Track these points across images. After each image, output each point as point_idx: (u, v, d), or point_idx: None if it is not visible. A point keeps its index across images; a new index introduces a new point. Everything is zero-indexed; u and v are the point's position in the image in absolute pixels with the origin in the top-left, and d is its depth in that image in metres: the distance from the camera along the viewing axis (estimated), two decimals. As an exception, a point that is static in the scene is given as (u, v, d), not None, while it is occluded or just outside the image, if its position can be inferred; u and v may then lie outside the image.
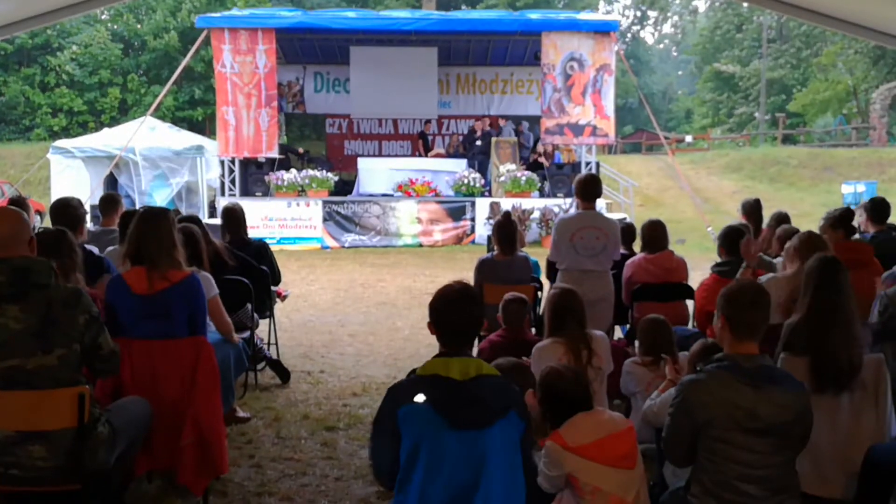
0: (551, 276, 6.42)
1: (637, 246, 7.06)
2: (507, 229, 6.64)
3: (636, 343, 6.38)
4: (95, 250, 5.81)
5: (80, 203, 5.58)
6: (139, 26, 37.13)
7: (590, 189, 6.03)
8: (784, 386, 3.05)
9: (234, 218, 6.89)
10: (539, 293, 6.60)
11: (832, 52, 41.09)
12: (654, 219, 6.51)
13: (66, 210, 5.29)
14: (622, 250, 6.44)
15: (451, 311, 3.00)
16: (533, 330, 5.91)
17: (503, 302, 5.16)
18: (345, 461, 4.96)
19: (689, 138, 41.87)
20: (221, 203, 17.19)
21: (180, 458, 4.01)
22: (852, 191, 23.95)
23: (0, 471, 3.31)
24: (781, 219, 6.69)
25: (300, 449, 5.17)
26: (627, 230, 6.88)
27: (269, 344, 7.12)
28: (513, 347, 4.67)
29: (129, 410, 3.70)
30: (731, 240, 5.60)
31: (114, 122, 32.15)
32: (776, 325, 4.07)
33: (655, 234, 6.24)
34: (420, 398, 2.87)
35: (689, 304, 6.34)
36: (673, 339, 4.73)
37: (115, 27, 38.12)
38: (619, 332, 7.08)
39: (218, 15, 20.42)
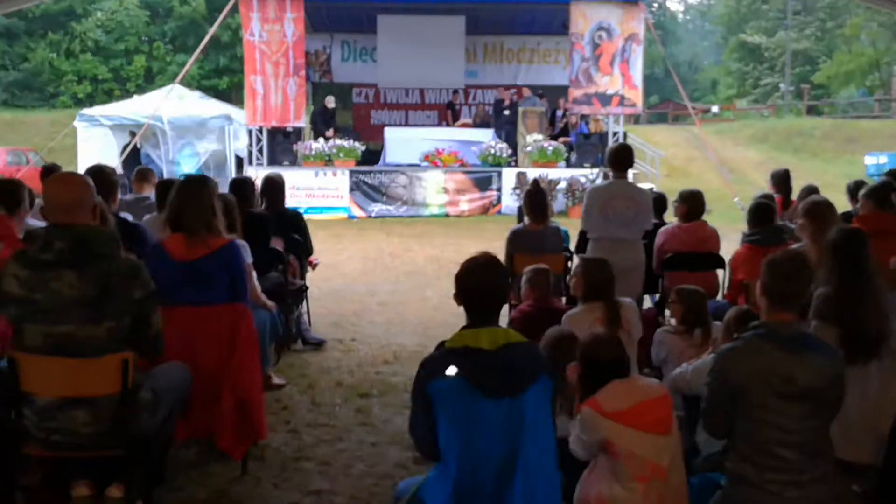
0: (581, 245, 6.44)
1: (668, 216, 7.06)
2: (537, 198, 6.66)
3: (666, 312, 6.44)
4: (130, 218, 5.91)
5: (113, 171, 5.64)
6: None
7: (622, 158, 6.04)
8: (819, 352, 3.08)
9: (273, 187, 6.97)
10: (569, 263, 6.62)
11: (856, 24, 40.49)
12: (693, 188, 6.52)
13: (100, 177, 5.34)
14: (653, 220, 6.44)
15: (478, 283, 3.01)
16: (563, 299, 5.94)
17: (528, 273, 5.18)
18: (380, 427, 5.05)
19: (714, 109, 41.47)
20: (249, 172, 17.27)
21: (219, 423, 4.09)
22: (875, 162, 23.74)
23: (42, 436, 3.36)
24: (812, 191, 6.66)
25: (335, 415, 5.26)
26: (658, 200, 6.87)
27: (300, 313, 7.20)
28: (543, 316, 4.70)
29: (171, 376, 3.76)
30: (759, 214, 5.62)
31: (139, 90, 32.28)
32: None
33: (691, 202, 6.23)
34: (452, 371, 2.89)
35: (720, 274, 6.36)
36: (707, 309, 4.74)
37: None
38: (647, 302, 7.10)
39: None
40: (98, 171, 5.51)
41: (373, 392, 5.73)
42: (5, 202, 5.13)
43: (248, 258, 5.02)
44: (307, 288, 7.03)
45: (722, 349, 3.16)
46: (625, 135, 19.02)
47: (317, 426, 5.06)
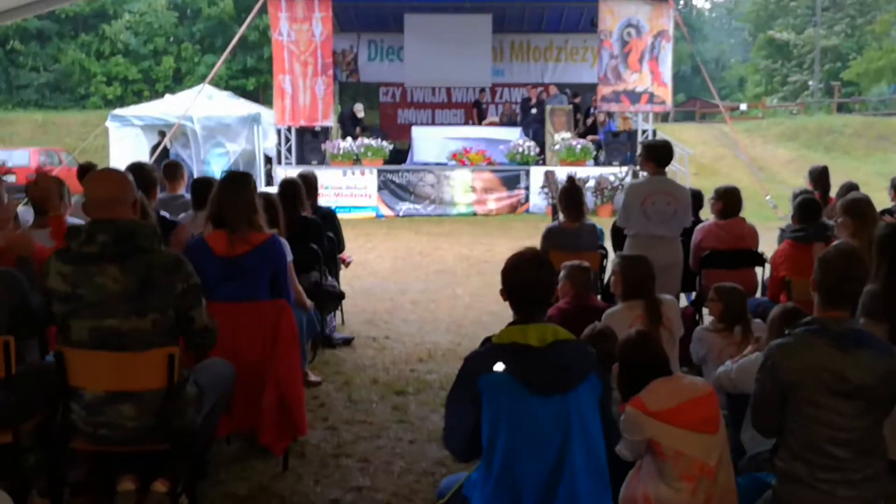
0: (617, 242, 6.40)
1: (704, 213, 7.00)
2: (573, 195, 6.62)
3: (704, 310, 6.38)
4: (168, 216, 5.94)
5: (154, 167, 5.68)
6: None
7: (661, 154, 5.99)
8: (873, 349, 3.03)
9: (307, 186, 6.98)
10: (605, 260, 6.58)
11: (886, 21, 40.02)
12: (729, 185, 6.45)
13: (141, 173, 5.37)
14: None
15: (525, 278, 2.99)
16: (599, 297, 5.91)
17: (566, 270, 5.14)
18: (417, 425, 5.04)
19: (743, 106, 41.15)
20: (278, 172, 17.36)
21: (261, 419, 4.11)
22: (907, 159, 23.45)
23: (89, 430, 3.38)
24: (851, 189, 6.58)
25: (372, 412, 5.26)
26: (695, 197, 6.80)
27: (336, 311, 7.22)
28: (581, 314, 4.67)
29: (215, 371, 3.77)
30: (805, 210, 5.56)
31: (168, 90, 32.50)
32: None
33: (729, 199, 6.17)
34: (500, 367, 2.87)
35: (758, 272, 6.31)
36: (747, 307, 4.70)
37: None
38: (683, 300, 7.05)
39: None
40: (139, 168, 5.56)
41: (408, 389, 5.73)
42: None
43: (289, 256, 5.04)
44: (344, 296, 7.03)
45: (772, 345, 3.12)
46: (654, 132, 18.92)
47: (355, 423, 5.06)
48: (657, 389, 3.32)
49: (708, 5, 68.53)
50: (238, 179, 4.42)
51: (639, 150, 17.98)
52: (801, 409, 3.03)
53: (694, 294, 6.51)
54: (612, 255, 6.85)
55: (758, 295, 6.11)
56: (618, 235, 6.34)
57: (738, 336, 4.58)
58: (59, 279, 3.36)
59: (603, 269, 6.46)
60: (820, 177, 7.01)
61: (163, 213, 5.65)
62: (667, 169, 6.20)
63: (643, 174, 6.47)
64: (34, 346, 3.86)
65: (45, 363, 3.68)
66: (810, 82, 43.53)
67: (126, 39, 36.81)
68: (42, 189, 4.86)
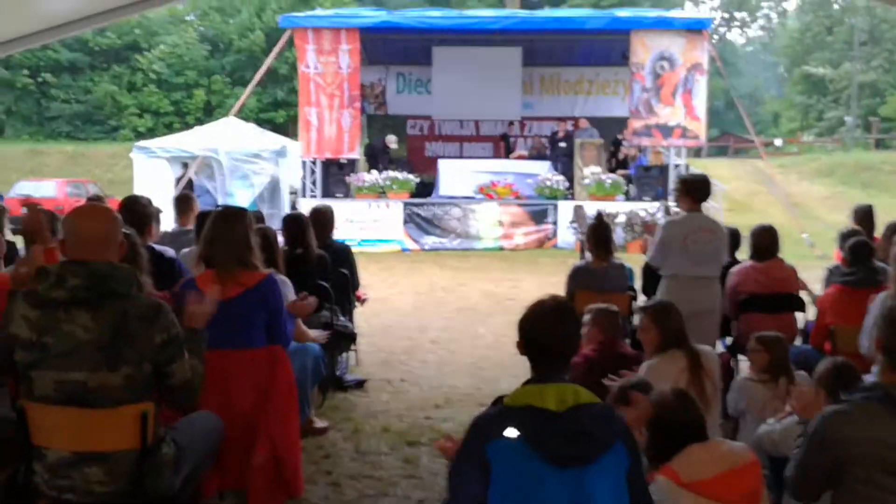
0: (649, 283, 5.98)
1: (741, 254, 6.59)
2: (601, 233, 6.26)
3: (737, 357, 5.94)
4: (170, 251, 5.62)
5: (149, 202, 5.36)
6: (226, 26, 37.53)
7: (700, 189, 5.59)
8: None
9: (320, 220, 6.68)
10: (633, 303, 6.18)
11: (926, 56, 39.44)
12: (765, 224, 6.03)
13: (134, 208, 5.07)
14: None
15: (545, 331, 2.64)
16: (626, 341, 5.50)
17: (593, 313, 4.75)
18: (428, 481, 4.64)
19: (778, 142, 40.58)
20: (302, 204, 17.13)
21: (252, 478, 3.75)
22: (953, 198, 22.77)
23: (54, 495, 3.02)
24: (896, 229, 6.13)
25: (381, 466, 4.87)
26: (732, 236, 6.39)
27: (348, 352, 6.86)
28: (610, 363, 4.28)
29: (198, 427, 3.41)
30: (858, 252, 5.12)
31: (198, 123, 32.64)
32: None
33: (766, 240, 5.75)
34: (512, 433, 2.50)
35: (799, 316, 5.87)
36: (789, 358, 4.28)
37: (202, 27, 38.67)
38: (718, 346, 6.61)
39: (301, 14, 20.41)
40: (132, 202, 5.26)
41: (422, 440, 5.32)
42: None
43: (291, 295, 4.69)
44: (355, 337, 6.68)
45: (826, 412, 2.70)
46: (687, 167, 18.48)
47: (360, 478, 4.67)
48: (693, 457, 2.92)
49: (742, 40, 68.10)
50: (231, 215, 4.08)
51: (673, 184, 17.65)
52: (852, 485, 2.61)
53: (729, 340, 6.08)
54: (641, 298, 6.47)
55: (797, 342, 5.67)
56: (650, 276, 5.91)
57: (782, 389, 4.16)
58: (24, 324, 3.02)
59: (632, 312, 6.05)
60: (865, 216, 6.58)
61: (161, 248, 5.33)
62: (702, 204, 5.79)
63: (675, 210, 6.08)
64: (4, 395, 3.52)
65: (9, 418, 3.33)
66: (847, 118, 42.89)
67: (158, 70, 37.08)
68: (30, 221, 4.56)
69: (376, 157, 19.58)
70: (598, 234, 6.27)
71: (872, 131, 36.26)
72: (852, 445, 2.58)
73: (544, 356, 2.64)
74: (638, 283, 6.59)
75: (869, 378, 4.37)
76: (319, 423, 5.47)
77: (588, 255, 6.47)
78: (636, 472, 2.65)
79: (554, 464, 2.47)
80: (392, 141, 19.99)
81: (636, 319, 6.29)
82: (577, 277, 6.09)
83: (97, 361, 2.98)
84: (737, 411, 4.46)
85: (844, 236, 5.61)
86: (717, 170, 27.34)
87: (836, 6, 47.30)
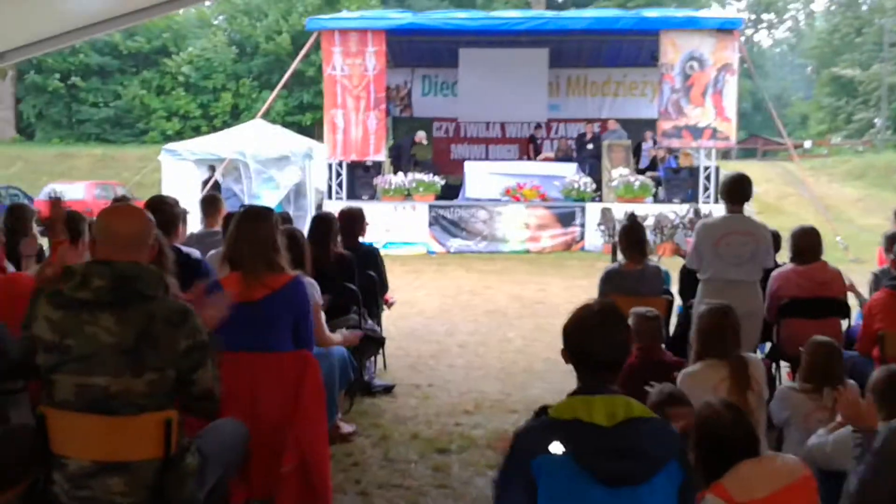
0: (687, 286, 5.80)
1: (782, 256, 6.40)
2: (635, 234, 6.07)
3: (780, 364, 5.75)
4: (196, 253, 5.52)
5: (175, 202, 5.25)
6: (253, 29, 37.65)
7: (738, 189, 5.37)
8: None
9: (349, 221, 6.58)
10: (671, 307, 6.00)
11: (957, 56, 38.74)
12: (807, 225, 5.81)
13: (161, 208, 4.97)
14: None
15: (592, 338, 2.47)
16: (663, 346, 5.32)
17: (634, 317, 4.58)
18: (459, 490, 4.49)
19: (807, 144, 40.05)
20: (329, 206, 17.05)
21: (281, 487, 3.62)
22: None
23: None
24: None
25: (410, 474, 4.72)
26: (773, 238, 6.19)
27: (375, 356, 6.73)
28: (652, 371, 4.11)
29: (224, 435, 3.28)
30: None
31: (226, 126, 32.75)
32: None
33: (808, 242, 5.53)
34: (557, 448, 2.33)
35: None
36: (843, 367, 4.08)
37: (229, 31, 38.81)
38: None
39: (327, 17, 20.37)
40: (158, 203, 5.15)
41: (452, 447, 5.17)
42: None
43: (318, 297, 4.57)
44: (384, 341, 6.54)
45: (893, 426, 2.53)
46: (717, 169, 18.21)
47: (389, 487, 4.53)
48: (745, 474, 2.76)
49: (769, 41, 67.44)
50: (256, 215, 3.96)
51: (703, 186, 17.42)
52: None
53: (769, 345, 5.88)
54: (678, 301, 6.29)
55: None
56: (688, 279, 5.72)
57: (829, 399, 3.96)
58: (46, 326, 2.91)
59: (669, 316, 5.87)
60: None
61: (188, 249, 5.22)
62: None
63: (705, 212, 5.88)
64: (23, 402, 3.42)
65: (29, 425, 3.22)
66: (876, 119, 42.26)
67: (187, 73, 37.28)
68: (49, 213, 4.48)
69: (401, 158, 19.50)
70: (631, 235, 6.09)
71: (904, 133, 35.76)
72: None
73: (591, 365, 2.48)
74: (674, 287, 6.41)
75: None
76: (347, 428, 5.34)
77: (620, 257, 6.30)
78: (688, 492, 2.49)
79: (603, 483, 2.31)
80: (422, 137, 19.89)
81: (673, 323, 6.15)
82: (611, 281, 5.91)
83: (120, 366, 2.86)
84: (780, 421, 4.27)
85: (891, 239, 5.38)
86: (748, 172, 26.88)
87: (864, 7, 46.61)
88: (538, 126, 21.66)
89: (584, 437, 2.33)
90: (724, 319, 3.92)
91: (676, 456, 2.39)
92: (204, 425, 3.38)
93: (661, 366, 4.19)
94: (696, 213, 16.65)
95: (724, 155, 29.20)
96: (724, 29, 17.41)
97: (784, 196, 25.44)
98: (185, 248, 5.24)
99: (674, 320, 6.20)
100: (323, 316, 4.69)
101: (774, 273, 5.60)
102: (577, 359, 2.50)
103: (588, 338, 2.47)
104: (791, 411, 4.15)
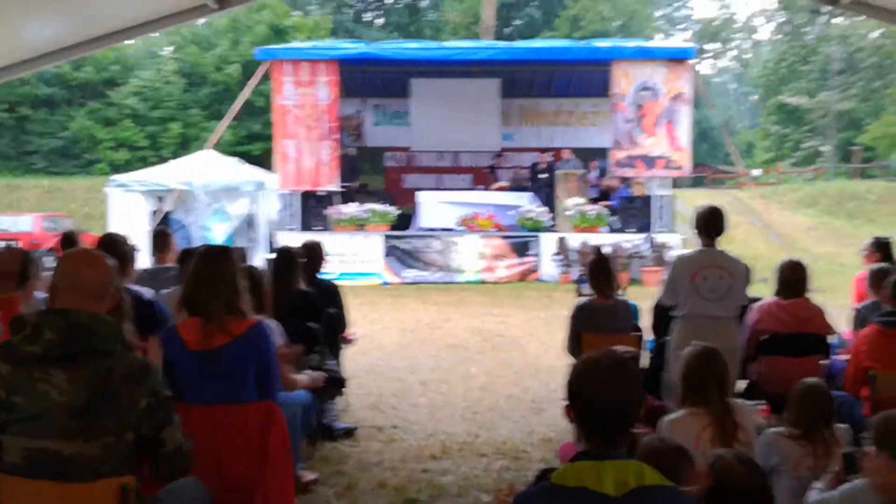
0: (660, 323, 5.62)
1: (753, 290, 6.27)
2: (604, 268, 5.91)
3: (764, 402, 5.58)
4: (149, 293, 5.22)
5: (125, 239, 4.97)
6: (203, 59, 37.26)
7: (712, 223, 5.23)
8: None
9: (310, 255, 6.34)
10: (641, 343, 5.83)
11: (905, 84, 39.72)
12: (795, 259, 5.68)
13: (113, 247, 4.68)
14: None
15: (602, 395, 2.25)
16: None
17: None
18: (433, 545, 4.24)
19: (756, 172, 40.64)
20: (281, 238, 16.74)
21: (245, 550, 3.33)
22: (944, 228, 22.71)
23: None
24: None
25: (379, 528, 4.46)
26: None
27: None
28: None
29: (183, 498, 3.01)
30: None
31: (174, 156, 32.23)
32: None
33: (795, 276, 5.38)
34: None
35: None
36: (832, 411, 3.91)
37: (179, 61, 38.36)
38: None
39: (279, 47, 20.14)
40: (110, 241, 4.86)
41: (421, 497, 4.91)
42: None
43: (279, 341, 4.30)
44: (345, 383, 6.26)
45: None
46: (671, 198, 18.30)
47: (358, 542, 4.26)
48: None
49: (714, 71, 68.72)
50: (216, 256, 3.69)
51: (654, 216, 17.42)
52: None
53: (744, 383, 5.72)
54: (647, 336, 6.13)
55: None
56: (661, 315, 5.54)
57: (821, 445, 3.79)
58: None
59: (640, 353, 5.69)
60: (888, 249, 6.27)
61: (137, 289, 4.92)
62: (686, 236, 5.46)
63: (659, 242, 5.71)
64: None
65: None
66: (824, 147, 43.08)
67: (134, 105, 36.72)
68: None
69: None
70: (600, 269, 5.92)
71: (853, 160, 36.36)
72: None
73: (601, 426, 2.26)
74: (642, 321, 6.25)
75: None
76: (308, 476, 5.04)
77: (586, 290, 6.13)
78: None
79: None
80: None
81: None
82: (582, 318, 5.72)
83: (71, 428, 2.59)
84: (767, 468, 4.08)
85: (881, 274, 5.26)
86: (697, 200, 27.06)
87: (810, 36, 47.70)
88: (499, 155, 21.63)
89: (590, 506, 2.11)
90: (709, 363, 3.72)
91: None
92: (159, 488, 3.10)
93: (646, 410, 3.98)
94: (652, 242, 16.69)
95: (675, 184, 29.47)
96: (677, 59, 17.55)
97: (735, 225, 25.55)
98: (135, 289, 4.94)
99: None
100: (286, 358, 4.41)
101: (755, 306, 5.46)
102: (584, 418, 2.29)
103: (599, 396, 2.25)
104: (780, 457, 3.96)
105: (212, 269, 3.61)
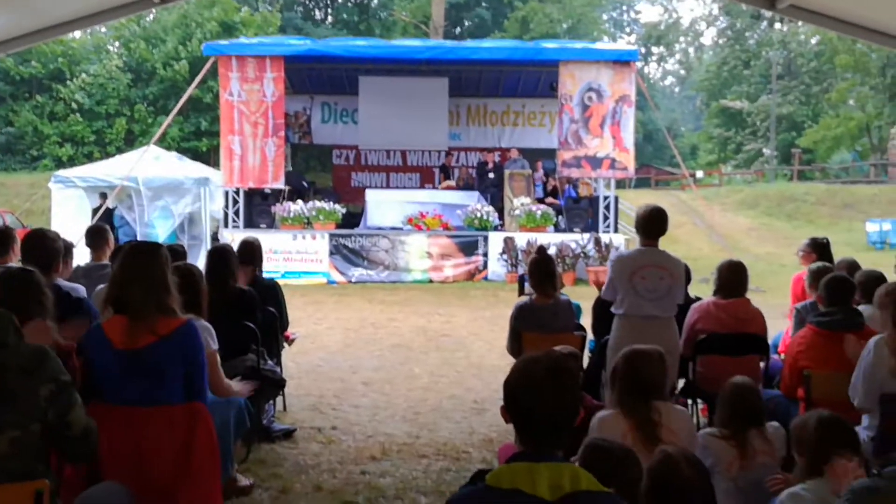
0: (601, 322, 5.61)
1: (693, 289, 6.31)
2: (545, 267, 5.88)
3: (697, 402, 5.61)
4: (80, 290, 5.07)
5: (56, 236, 4.81)
6: (151, 55, 36.60)
7: (654, 224, 5.21)
8: None
9: (248, 254, 6.20)
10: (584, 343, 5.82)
11: (843, 89, 40.69)
12: (735, 259, 5.70)
13: (42, 243, 4.53)
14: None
15: (541, 398, 2.19)
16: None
17: None
18: (367, 550, 4.16)
19: (699, 173, 41.25)
20: (225, 235, 16.50)
21: (169, 557, 3.23)
22: (877, 229, 23.26)
23: None
24: (854, 267, 5.88)
25: (314, 532, 4.37)
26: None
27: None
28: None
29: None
30: (836, 291, 4.77)
31: (119, 152, 31.64)
32: None
33: (734, 277, 5.38)
34: None
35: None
36: (763, 409, 3.91)
37: (126, 57, 37.64)
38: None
39: (226, 42, 19.86)
40: (39, 237, 4.70)
41: (358, 500, 4.82)
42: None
43: (213, 344, 4.18)
44: (284, 384, 6.15)
45: (856, 488, 2.34)
46: (616, 199, 18.44)
47: (291, 548, 4.17)
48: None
49: (659, 74, 69.55)
50: (144, 252, 3.57)
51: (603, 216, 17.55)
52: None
53: (681, 382, 5.72)
54: (590, 335, 6.13)
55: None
56: (603, 313, 5.51)
57: (752, 444, 3.79)
58: None
59: (582, 352, 5.67)
60: (824, 250, 6.33)
61: (69, 287, 4.77)
62: (629, 236, 5.46)
63: (605, 242, 5.70)
64: None
65: None
66: (765, 150, 43.91)
67: (80, 100, 35.96)
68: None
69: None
70: (541, 268, 5.89)
71: (793, 163, 37.11)
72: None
73: (536, 427, 2.20)
74: (585, 320, 6.25)
75: (860, 430, 4.06)
76: (243, 482, 4.92)
77: (529, 289, 6.09)
78: None
79: None
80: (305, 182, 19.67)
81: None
82: (523, 317, 5.69)
83: None
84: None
85: (819, 274, 5.30)
86: (641, 201, 27.38)
87: (752, 41, 48.58)
88: (449, 154, 21.59)
89: (523, 510, 2.06)
90: (637, 367, 3.66)
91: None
92: (81, 489, 2.99)
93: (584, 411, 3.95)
94: (597, 242, 16.79)
95: (619, 184, 29.77)
96: (622, 61, 17.65)
97: (679, 225, 25.91)
98: (66, 285, 4.80)
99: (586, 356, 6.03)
100: (219, 361, 4.30)
101: (694, 306, 5.47)
102: (520, 420, 2.23)
103: (536, 398, 2.20)
104: (713, 458, 3.96)
105: (138, 266, 3.48)
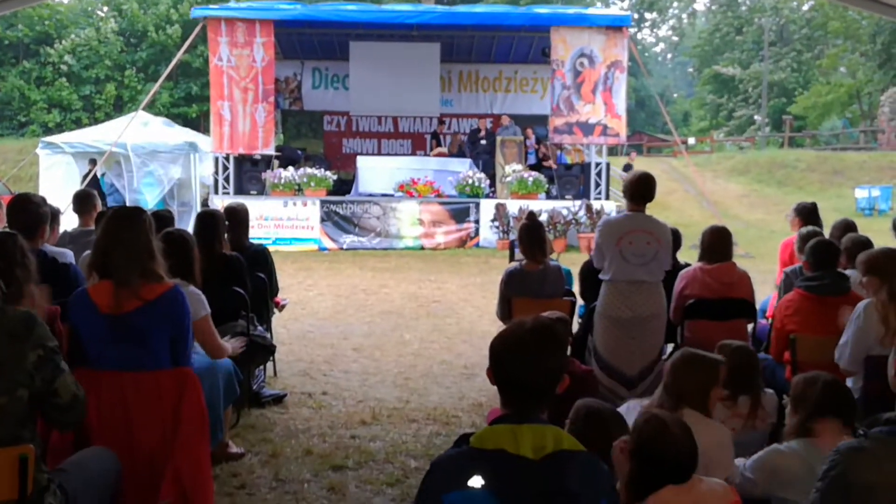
0: (589, 288, 5.61)
1: (685, 255, 6.31)
2: (535, 233, 5.87)
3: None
4: (68, 255, 5.05)
5: (43, 200, 4.77)
6: (144, 17, 36.11)
7: (641, 189, 5.19)
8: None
9: (235, 219, 6.17)
10: (574, 308, 5.82)
11: (834, 55, 40.61)
12: (718, 224, 5.70)
13: (26, 208, 4.49)
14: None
15: (525, 363, 2.21)
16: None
17: None
18: (357, 512, 4.19)
19: (691, 140, 41.20)
20: (215, 202, 16.43)
21: (158, 521, 3.24)
22: (866, 195, 23.33)
23: None
24: (849, 228, 5.90)
25: (303, 496, 4.36)
26: (673, 236, 6.07)
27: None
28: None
29: (91, 469, 2.89)
30: (821, 255, 4.80)
31: (108, 118, 31.36)
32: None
33: (718, 241, 5.38)
34: (477, 482, 2.08)
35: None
36: (760, 373, 3.93)
37: (116, 20, 37.14)
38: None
39: (216, 6, 19.64)
40: (24, 201, 4.67)
41: (348, 463, 4.84)
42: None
43: (204, 309, 4.16)
44: (274, 349, 6.14)
45: (842, 449, 2.34)
46: (608, 165, 18.41)
47: (281, 511, 4.18)
48: (667, 498, 2.55)
49: (652, 40, 69.15)
50: (126, 217, 3.54)
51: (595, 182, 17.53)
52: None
53: (670, 347, 5.75)
54: (579, 301, 6.14)
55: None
56: (591, 279, 5.53)
57: (743, 407, 3.81)
58: None
59: (571, 318, 5.68)
60: (811, 215, 6.33)
61: (56, 252, 4.75)
62: (620, 203, 5.45)
63: (597, 207, 5.70)
64: None
65: None
66: (756, 116, 43.86)
67: (70, 62, 35.55)
68: None
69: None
70: (531, 234, 5.88)
71: (786, 130, 37.09)
72: (874, 487, 2.21)
73: (520, 390, 2.22)
74: (576, 287, 6.25)
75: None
76: (234, 449, 4.92)
77: (519, 256, 6.09)
78: None
79: None
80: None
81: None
82: (513, 283, 5.69)
83: None
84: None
85: (804, 238, 5.31)
86: (635, 168, 27.51)
87: (744, 7, 48.36)
88: (442, 122, 21.47)
89: (507, 471, 2.09)
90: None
91: (606, 495, 2.16)
92: (68, 454, 2.99)
93: (575, 377, 3.95)
94: (589, 208, 16.78)
95: (611, 151, 29.73)
96: (614, 26, 17.53)
97: (670, 192, 25.94)
98: (52, 250, 4.78)
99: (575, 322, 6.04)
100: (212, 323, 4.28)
101: (682, 272, 5.47)
102: (503, 381, 2.25)
103: (520, 362, 2.21)
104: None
105: (120, 231, 3.45)
